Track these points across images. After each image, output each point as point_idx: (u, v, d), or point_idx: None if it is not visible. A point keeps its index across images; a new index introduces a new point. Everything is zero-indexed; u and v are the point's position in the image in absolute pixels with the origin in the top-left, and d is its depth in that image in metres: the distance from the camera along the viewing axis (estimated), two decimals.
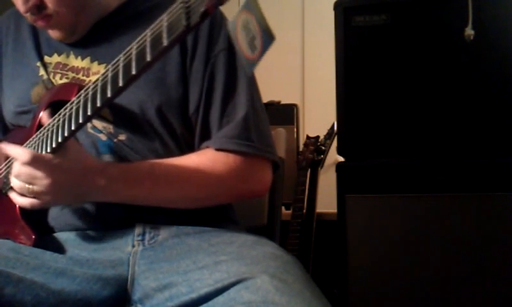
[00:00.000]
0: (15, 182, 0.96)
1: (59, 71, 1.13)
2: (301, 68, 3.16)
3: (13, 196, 0.99)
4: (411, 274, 1.53)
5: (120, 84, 0.81)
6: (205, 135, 1.09)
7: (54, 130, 0.94)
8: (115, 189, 0.99)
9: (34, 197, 0.96)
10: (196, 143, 1.10)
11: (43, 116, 1.02)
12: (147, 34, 0.78)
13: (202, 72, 1.08)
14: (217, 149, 1.06)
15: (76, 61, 1.12)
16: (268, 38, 0.74)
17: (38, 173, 0.93)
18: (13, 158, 0.99)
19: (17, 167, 0.94)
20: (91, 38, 1.13)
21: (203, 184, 1.05)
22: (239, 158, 1.06)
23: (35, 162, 0.92)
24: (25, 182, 0.95)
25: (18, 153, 0.94)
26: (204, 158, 1.05)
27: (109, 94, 0.83)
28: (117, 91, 0.83)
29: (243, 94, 1.09)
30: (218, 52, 1.09)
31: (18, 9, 1.08)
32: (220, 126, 1.07)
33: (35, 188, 0.94)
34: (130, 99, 1.04)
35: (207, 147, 1.07)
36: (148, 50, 0.77)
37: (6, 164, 1.09)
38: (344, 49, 1.64)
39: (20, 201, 0.98)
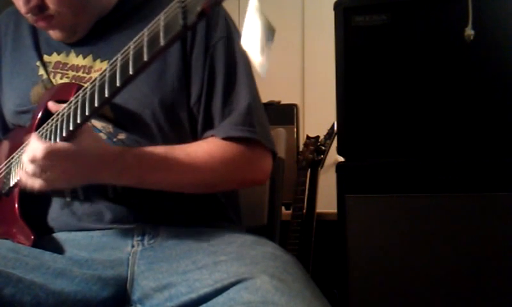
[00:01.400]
0: (28, 166, 0.93)
1: (59, 70, 1.12)
2: (301, 68, 3.16)
3: (22, 175, 0.96)
4: (411, 274, 1.53)
5: (118, 84, 0.81)
6: (208, 125, 1.09)
7: (53, 130, 0.94)
8: (129, 174, 0.99)
9: (44, 181, 0.94)
10: (199, 132, 1.11)
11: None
12: (144, 33, 0.78)
13: (202, 61, 1.09)
14: (224, 138, 1.06)
15: (77, 60, 1.12)
16: (270, 32, 0.74)
17: (52, 163, 0.92)
18: (23, 148, 0.98)
19: (33, 155, 0.92)
20: (91, 37, 1.13)
21: (213, 171, 1.05)
22: (244, 146, 1.07)
23: (50, 155, 0.91)
24: (39, 169, 0.92)
25: (34, 147, 0.92)
26: (213, 146, 1.06)
27: (106, 95, 0.83)
28: (115, 91, 0.83)
29: (243, 84, 1.10)
30: (217, 41, 1.10)
31: (18, 9, 1.08)
32: (223, 115, 1.08)
33: (48, 174, 0.93)
34: (134, 93, 1.03)
35: (212, 136, 1.08)
36: (145, 50, 0.77)
37: (5, 164, 1.09)
38: (344, 49, 1.63)
39: (29, 182, 0.95)
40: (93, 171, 0.96)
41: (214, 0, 0.68)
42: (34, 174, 0.94)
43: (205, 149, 1.06)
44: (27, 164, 0.94)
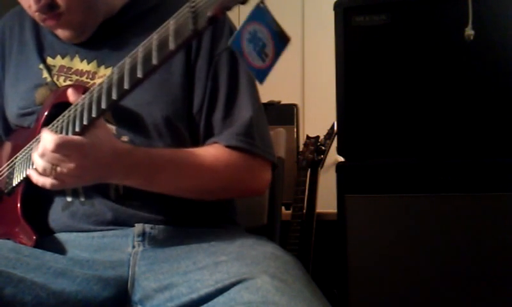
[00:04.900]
0: (38, 162, 0.91)
1: (63, 74, 1.12)
2: (301, 68, 3.16)
3: (33, 174, 0.94)
4: (411, 274, 1.53)
5: (126, 87, 0.81)
6: (209, 134, 1.09)
7: (58, 132, 0.94)
8: (138, 173, 0.98)
9: (55, 178, 0.91)
10: (201, 141, 1.11)
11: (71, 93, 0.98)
12: (153, 37, 0.78)
13: (206, 71, 1.09)
14: (226, 146, 1.06)
15: (81, 65, 1.12)
16: (282, 40, 0.75)
17: (66, 157, 0.89)
18: (30, 146, 0.98)
19: (43, 149, 0.90)
20: (96, 41, 1.12)
21: (218, 177, 1.06)
22: (246, 156, 1.07)
23: (62, 146, 0.88)
24: (50, 163, 0.90)
25: (45, 140, 0.89)
26: (221, 151, 1.06)
27: (114, 97, 0.83)
28: (122, 94, 0.83)
29: (246, 95, 1.10)
30: (221, 51, 1.10)
31: (23, 9, 1.08)
32: (223, 125, 1.08)
33: (59, 170, 0.90)
34: (135, 100, 1.03)
35: (215, 142, 1.08)
36: (154, 53, 0.77)
37: (8, 164, 1.09)
38: (344, 49, 1.63)
39: (40, 180, 0.93)
40: (105, 167, 0.93)
41: (224, 5, 0.69)
42: (44, 171, 0.91)
43: (212, 154, 1.06)
44: (37, 159, 0.91)
